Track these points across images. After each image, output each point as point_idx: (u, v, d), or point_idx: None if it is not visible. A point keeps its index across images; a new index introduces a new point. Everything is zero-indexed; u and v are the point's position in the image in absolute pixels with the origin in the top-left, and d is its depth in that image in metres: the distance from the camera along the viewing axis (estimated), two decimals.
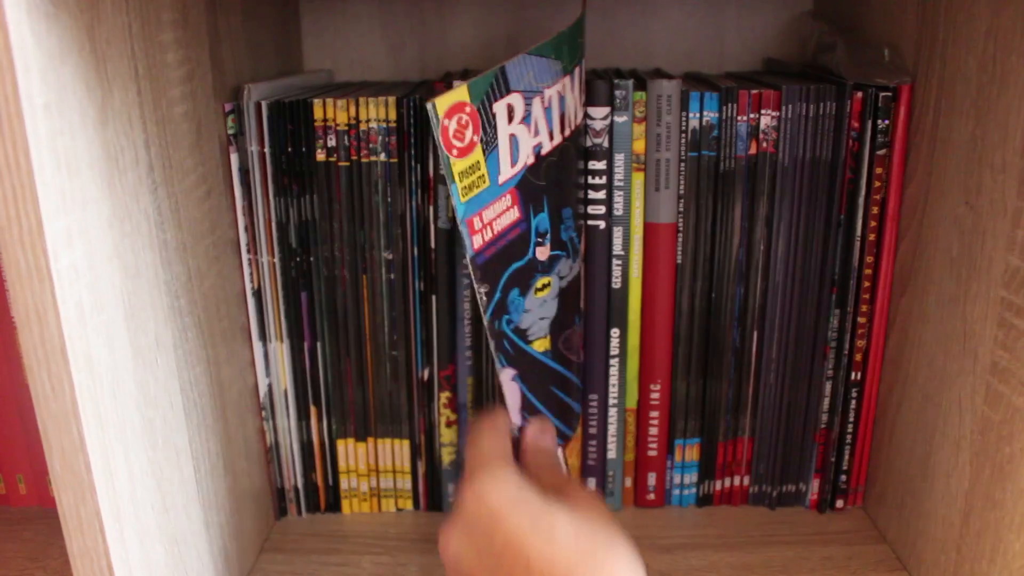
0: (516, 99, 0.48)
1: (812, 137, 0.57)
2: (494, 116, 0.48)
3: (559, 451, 0.54)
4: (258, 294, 0.60)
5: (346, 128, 0.57)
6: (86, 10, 0.38)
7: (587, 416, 0.63)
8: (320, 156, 0.57)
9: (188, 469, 0.49)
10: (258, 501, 0.62)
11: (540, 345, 0.54)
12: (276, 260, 0.60)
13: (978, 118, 0.49)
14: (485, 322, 0.50)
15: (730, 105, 0.57)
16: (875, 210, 0.58)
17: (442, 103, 0.46)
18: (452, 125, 0.46)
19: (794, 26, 0.74)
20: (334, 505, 0.67)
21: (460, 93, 0.46)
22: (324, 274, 0.60)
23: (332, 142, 0.57)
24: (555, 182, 0.52)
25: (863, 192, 0.58)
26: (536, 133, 0.50)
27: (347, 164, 0.58)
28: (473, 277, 0.49)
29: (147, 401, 0.44)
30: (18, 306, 0.35)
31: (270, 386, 0.62)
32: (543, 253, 0.52)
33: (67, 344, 0.36)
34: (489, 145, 0.48)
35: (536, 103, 0.50)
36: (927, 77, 0.55)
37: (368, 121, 0.57)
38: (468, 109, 0.46)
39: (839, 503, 0.65)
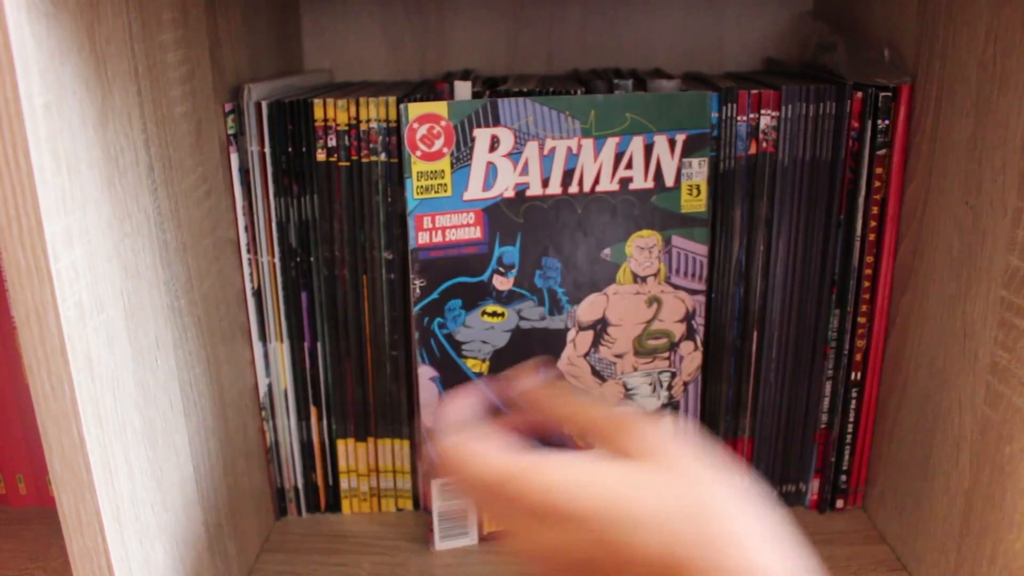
0: (505, 133, 0.53)
1: (812, 137, 0.57)
2: (473, 139, 0.53)
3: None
4: (258, 294, 0.60)
5: (346, 128, 0.57)
6: (86, 10, 0.38)
7: None
8: (320, 156, 0.57)
9: (188, 469, 0.49)
10: (258, 501, 0.62)
11: (474, 365, 0.58)
12: (276, 260, 0.60)
13: (978, 118, 0.49)
14: (413, 312, 0.56)
15: (730, 105, 0.57)
16: (875, 210, 0.58)
17: (415, 109, 0.52)
18: (421, 130, 0.52)
19: (794, 26, 0.74)
20: (334, 505, 0.67)
21: (438, 107, 0.52)
22: (324, 274, 0.60)
23: (332, 142, 0.57)
24: (541, 228, 0.56)
25: (863, 192, 0.58)
26: (524, 173, 0.54)
27: (347, 164, 0.58)
28: (411, 268, 0.55)
29: (147, 401, 0.44)
30: (18, 306, 0.35)
31: (270, 386, 0.62)
32: (501, 283, 0.55)
33: (67, 344, 0.36)
34: (460, 161, 0.53)
35: (531, 146, 0.54)
36: (927, 77, 0.55)
37: (368, 121, 0.57)
38: (443, 123, 0.52)
39: (839, 503, 0.65)
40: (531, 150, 0.54)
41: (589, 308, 0.58)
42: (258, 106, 0.56)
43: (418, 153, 0.52)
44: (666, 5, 0.74)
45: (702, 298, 0.59)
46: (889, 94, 0.56)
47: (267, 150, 0.57)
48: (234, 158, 0.57)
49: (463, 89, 0.56)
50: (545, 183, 0.55)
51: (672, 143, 0.55)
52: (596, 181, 0.55)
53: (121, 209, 0.41)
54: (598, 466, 0.34)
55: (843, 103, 0.56)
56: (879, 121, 0.56)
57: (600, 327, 0.58)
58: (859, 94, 0.56)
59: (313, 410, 0.64)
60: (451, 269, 0.55)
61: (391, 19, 0.75)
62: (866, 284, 0.60)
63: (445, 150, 0.53)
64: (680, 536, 0.31)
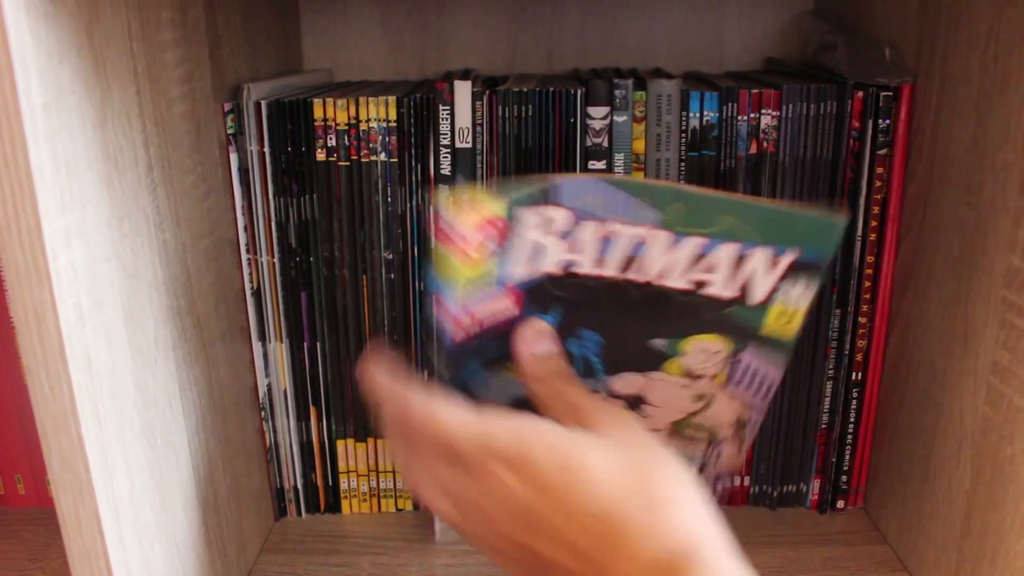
0: (561, 215, 0.43)
1: (813, 137, 0.57)
2: (522, 224, 0.42)
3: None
4: (257, 294, 0.60)
5: (346, 128, 0.57)
6: (85, 9, 0.38)
7: None
8: (320, 156, 0.57)
9: (187, 469, 0.49)
10: (258, 501, 0.62)
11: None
12: (276, 260, 0.59)
13: (979, 118, 0.49)
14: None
15: (730, 105, 0.56)
16: (876, 210, 0.58)
17: (470, 216, 0.40)
18: (475, 237, 0.41)
19: (795, 25, 0.74)
20: (334, 505, 0.67)
21: (496, 206, 0.41)
22: (324, 274, 0.60)
23: (332, 142, 0.57)
24: (586, 305, 0.46)
25: (864, 192, 0.58)
26: (574, 251, 0.44)
27: (347, 164, 0.58)
28: (436, 359, 0.45)
29: (146, 401, 0.44)
30: (17, 306, 0.35)
31: (269, 386, 0.62)
32: None
33: (66, 344, 0.36)
34: (505, 251, 0.43)
35: (589, 226, 0.43)
36: (928, 77, 0.55)
37: (368, 121, 0.57)
38: (501, 224, 0.41)
39: (840, 504, 0.65)
40: (587, 231, 0.43)
41: (625, 383, 0.49)
42: (257, 106, 0.56)
43: (467, 260, 0.41)
44: (666, 5, 0.74)
45: (760, 413, 0.50)
46: (890, 94, 0.56)
47: (267, 150, 0.57)
48: (233, 158, 0.57)
49: (463, 88, 0.56)
50: (600, 263, 0.44)
51: (775, 261, 0.44)
52: (663, 275, 0.44)
53: (120, 209, 0.41)
54: (561, 428, 0.37)
55: (844, 103, 0.56)
56: (880, 121, 0.56)
57: (635, 402, 0.49)
58: (860, 94, 0.56)
59: (312, 410, 0.63)
60: (479, 346, 0.45)
61: (391, 19, 0.75)
62: (867, 284, 0.60)
63: (495, 248, 0.42)
64: (625, 497, 0.34)
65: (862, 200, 0.58)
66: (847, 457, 0.64)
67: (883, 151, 0.57)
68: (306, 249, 0.59)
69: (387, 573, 0.60)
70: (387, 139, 0.57)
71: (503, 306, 0.44)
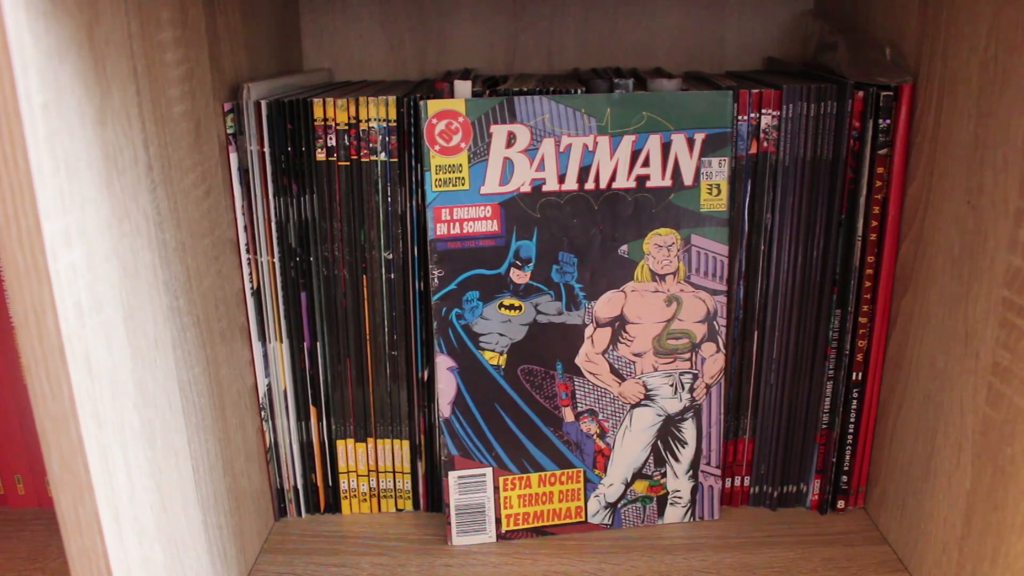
0: (521, 130, 0.54)
1: (813, 136, 0.57)
2: (490, 135, 0.54)
3: None
4: (257, 294, 0.60)
5: (346, 127, 0.57)
6: (85, 9, 0.38)
7: None
8: (320, 156, 0.57)
9: (187, 469, 0.49)
10: (257, 501, 0.62)
11: (491, 357, 0.59)
12: (275, 260, 0.59)
13: (980, 117, 0.49)
14: (432, 301, 0.57)
15: (731, 105, 0.56)
16: (876, 210, 0.58)
17: (434, 105, 0.54)
18: (440, 125, 0.54)
19: (795, 25, 0.74)
20: (334, 506, 0.67)
21: (456, 103, 0.54)
22: (323, 274, 0.60)
23: (332, 141, 0.57)
24: (557, 223, 0.57)
25: (864, 192, 0.58)
26: (540, 168, 0.55)
27: (347, 164, 0.58)
28: (430, 259, 0.56)
29: (146, 401, 0.44)
30: (16, 306, 0.35)
31: (269, 386, 0.62)
32: (518, 277, 0.57)
33: (65, 344, 0.36)
34: (477, 156, 0.55)
35: (548, 143, 0.55)
36: (928, 76, 0.55)
37: (368, 120, 0.57)
38: (461, 119, 0.54)
39: (840, 504, 0.65)
40: (547, 146, 0.55)
41: (607, 305, 0.59)
42: (257, 105, 0.56)
43: (436, 147, 0.54)
44: (667, 4, 0.74)
45: (723, 299, 0.59)
46: (890, 93, 0.56)
47: (266, 149, 0.57)
48: (233, 157, 0.57)
49: (463, 88, 0.56)
50: (561, 179, 0.56)
51: (691, 142, 0.56)
52: (612, 178, 0.56)
53: (120, 209, 0.41)
54: None
55: (844, 102, 0.56)
56: (880, 120, 0.56)
57: (618, 324, 0.59)
58: (860, 93, 0.56)
59: (312, 410, 0.63)
60: (469, 260, 0.56)
61: (391, 19, 0.75)
62: (867, 284, 0.60)
63: (463, 145, 0.54)
64: None
65: (862, 200, 0.58)
66: (847, 457, 0.64)
67: (883, 151, 0.57)
68: (306, 249, 0.59)
69: (387, 573, 0.60)
70: (387, 139, 0.57)
71: (484, 216, 0.56)
